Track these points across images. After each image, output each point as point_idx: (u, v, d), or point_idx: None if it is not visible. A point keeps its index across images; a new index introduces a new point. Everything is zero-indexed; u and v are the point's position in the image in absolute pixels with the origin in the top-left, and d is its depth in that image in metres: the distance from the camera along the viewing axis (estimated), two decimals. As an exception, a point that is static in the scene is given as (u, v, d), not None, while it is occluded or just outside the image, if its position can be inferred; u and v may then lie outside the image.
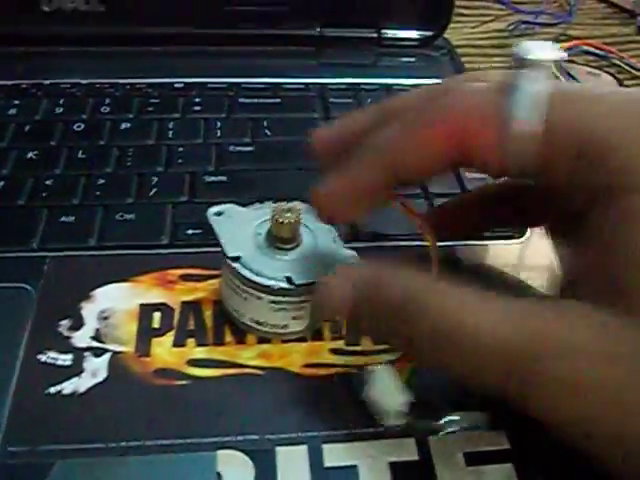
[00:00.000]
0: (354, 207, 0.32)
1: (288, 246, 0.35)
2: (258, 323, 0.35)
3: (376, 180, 0.31)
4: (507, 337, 0.26)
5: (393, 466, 0.31)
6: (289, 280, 0.33)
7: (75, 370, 0.34)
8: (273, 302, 0.34)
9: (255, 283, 0.34)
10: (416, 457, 0.31)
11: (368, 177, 0.31)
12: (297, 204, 0.35)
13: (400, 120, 0.31)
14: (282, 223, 0.34)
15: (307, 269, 0.34)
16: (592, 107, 0.28)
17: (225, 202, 0.38)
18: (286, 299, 0.34)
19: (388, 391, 0.31)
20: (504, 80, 0.28)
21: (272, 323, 0.35)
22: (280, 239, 0.35)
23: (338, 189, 0.32)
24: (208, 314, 0.37)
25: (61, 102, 0.51)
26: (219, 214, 0.36)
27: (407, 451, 0.31)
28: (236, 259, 0.34)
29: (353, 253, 0.35)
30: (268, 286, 0.33)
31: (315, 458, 0.31)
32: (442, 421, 0.32)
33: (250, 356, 0.35)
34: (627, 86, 0.63)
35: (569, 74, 0.59)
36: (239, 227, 0.36)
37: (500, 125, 0.28)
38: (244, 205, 0.37)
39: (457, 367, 0.28)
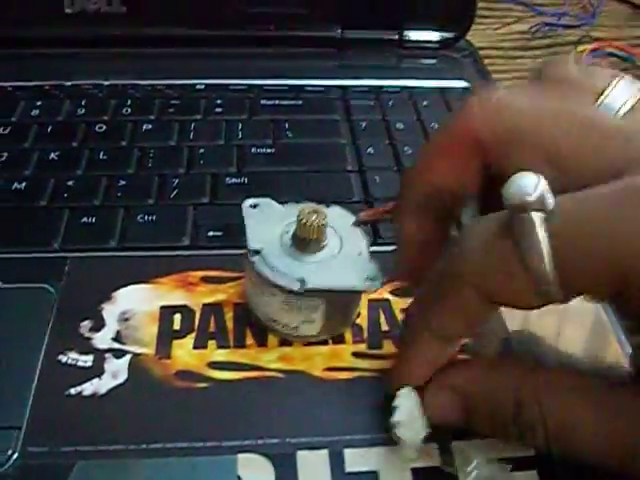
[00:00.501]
0: None
1: (311, 248, 0.34)
2: (271, 320, 0.35)
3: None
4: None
5: (415, 472, 0.31)
6: (302, 282, 0.33)
7: (96, 371, 0.34)
8: (284, 302, 0.34)
9: (268, 280, 0.33)
10: (439, 463, 0.31)
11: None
12: (323, 207, 0.34)
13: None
14: (306, 224, 0.34)
15: (324, 274, 0.33)
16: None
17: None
18: (297, 301, 0.34)
19: (409, 421, 0.30)
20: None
21: (283, 322, 0.35)
22: (303, 240, 0.34)
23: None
24: (229, 316, 0.36)
25: (83, 103, 0.51)
26: (254, 206, 0.36)
27: (430, 456, 0.31)
28: (256, 252, 0.34)
29: (376, 267, 0.34)
30: (280, 285, 0.33)
31: (336, 463, 0.31)
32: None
33: (271, 359, 0.35)
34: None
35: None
36: (269, 222, 0.35)
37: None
38: (283, 203, 0.37)
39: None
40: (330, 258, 0.34)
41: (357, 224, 0.36)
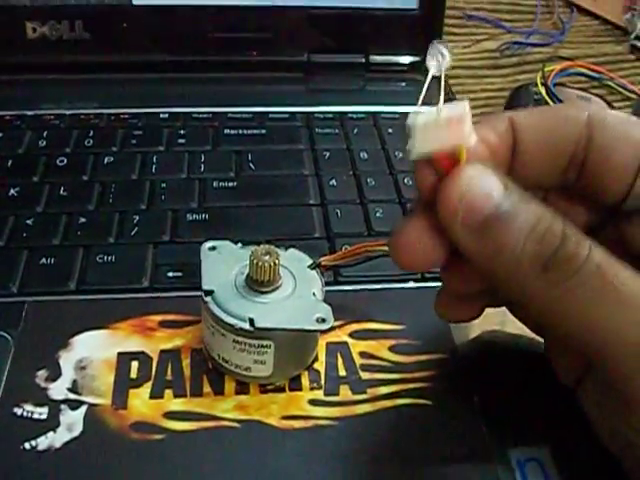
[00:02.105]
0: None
1: (264, 289, 0.34)
2: (224, 360, 0.35)
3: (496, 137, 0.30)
4: None
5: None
6: (251, 322, 0.33)
7: (51, 424, 0.33)
8: (235, 341, 0.34)
9: (219, 319, 0.34)
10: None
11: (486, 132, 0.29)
12: (279, 249, 0.34)
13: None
14: (259, 265, 0.34)
15: (275, 314, 0.33)
16: None
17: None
18: (247, 340, 0.34)
19: None
20: None
21: (236, 363, 0.35)
22: (256, 281, 0.34)
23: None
24: (186, 363, 0.36)
25: (44, 135, 0.51)
26: (213, 249, 0.37)
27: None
28: (209, 293, 0.34)
29: (328, 309, 0.34)
30: (230, 324, 0.33)
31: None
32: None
33: (227, 408, 0.35)
34: (617, 108, 0.63)
35: (559, 99, 0.59)
36: (226, 264, 0.36)
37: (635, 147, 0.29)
38: (244, 243, 0.37)
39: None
40: (283, 299, 0.35)
41: (313, 267, 0.36)
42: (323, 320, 0.33)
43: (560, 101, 0.59)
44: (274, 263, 0.34)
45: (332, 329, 0.37)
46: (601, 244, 0.26)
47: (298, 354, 0.36)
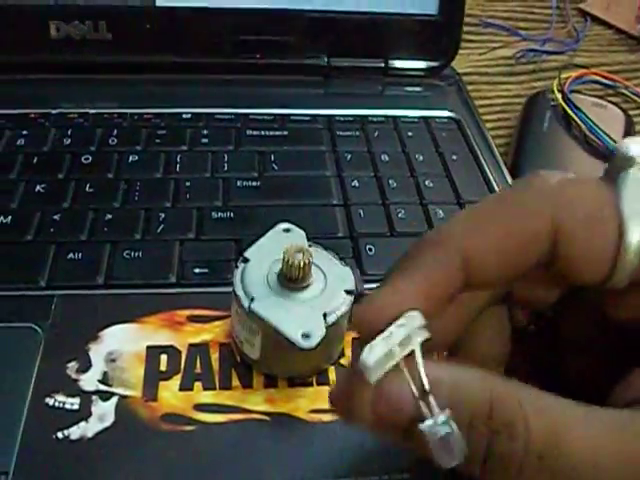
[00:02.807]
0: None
1: (295, 286, 0.35)
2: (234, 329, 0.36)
3: (446, 281, 0.26)
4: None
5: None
6: (251, 302, 0.34)
7: (83, 414, 0.34)
8: (237, 312, 0.35)
9: (233, 289, 0.35)
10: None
11: (436, 277, 0.26)
12: (307, 247, 0.35)
13: (470, 210, 0.27)
14: (290, 263, 0.34)
15: (276, 309, 0.34)
16: None
17: (230, 240, 0.41)
18: (244, 317, 0.34)
19: None
20: (608, 168, 0.26)
21: (236, 331, 0.36)
22: (288, 279, 0.35)
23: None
24: (215, 357, 0.37)
25: (69, 133, 0.51)
26: (287, 230, 0.38)
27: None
28: (244, 260, 0.36)
29: (321, 327, 0.33)
30: (238, 295, 0.34)
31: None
32: None
33: (257, 401, 0.35)
34: (632, 116, 0.63)
35: (575, 106, 0.59)
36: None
37: (611, 230, 0.25)
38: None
39: None
40: (305, 300, 0.35)
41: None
42: (307, 336, 0.33)
43: (577, 109, 0.60)
44: (307, 261, 0.34)
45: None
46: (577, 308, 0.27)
47: (283, 357, 0.35)
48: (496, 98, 0.67)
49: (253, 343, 0.35)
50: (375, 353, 0.23)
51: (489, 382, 0.24)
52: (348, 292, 0.35)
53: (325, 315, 0.34)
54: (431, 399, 0.23)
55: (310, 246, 0.35)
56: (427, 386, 0.23)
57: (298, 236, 0.37)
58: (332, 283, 0.36)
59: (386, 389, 0.23)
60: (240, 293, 0.34)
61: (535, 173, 0.27)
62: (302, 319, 0.33)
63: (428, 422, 0.23)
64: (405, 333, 0.23)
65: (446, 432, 0.23)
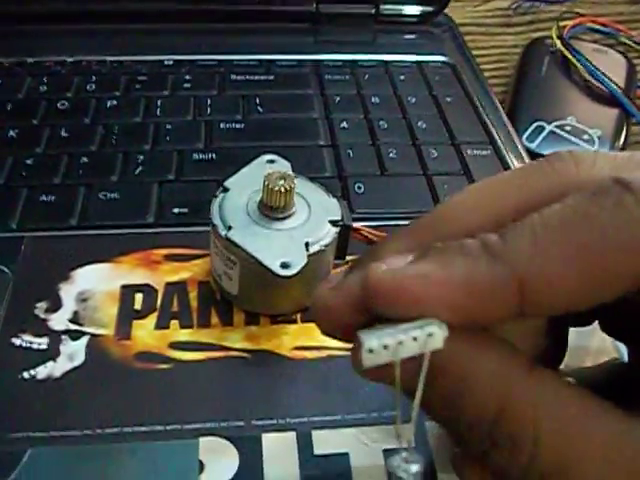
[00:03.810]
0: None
1: (276, 216, 0.33)
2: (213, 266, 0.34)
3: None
4: None
5: (388, 453, 0.29)
6: (228, 230, 0.32)
7: (51, 354, 0.32)
8: (214, 244, 0.33)
9: (210, 217, 0.33)
10: (413, 443, 0.29)
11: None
12: (290, 173, 0.33)
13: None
14: (272, 190, 0.32)
15: (254, 238, 0.32)
16: None
17: (211, 181, 0.39)
18: (221, 248, 0.32)
19: None
20: None
21: (215, 265, 0.34)
22: (269, 207, 0.33)
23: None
24: (193, 295, 0.35)
25: (45, 80, 0.49)
26: (272, 162, 0.36)
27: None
28: (224, 190, 0.34)
29: (303, 256, 0.31)
30: (214, 224, 0.32)
31: (304, 445, 0.29)
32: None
33: (237, 338, 0.33)
34: (636, 65, 0.61)
35: (575, 50, 0.57)
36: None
37: None
38: None
39: None
40: (286, 230, 0.33)
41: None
42: (286, 266, 0.31)
43: (577, 52, 0.57)
44: (289, 187, 0.32)
45: (346, 262, 0.35)
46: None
47: (263, 290, 0.33)
48: (493, 48, 0.65)
49: (231, 276, 0.33)
50: (378, 341, 0.20)
51: (503, 379, 0.20)
52: (334, 223, 0.33)
53: (307, 244, 0.32)
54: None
55: (296, 177, 0.33)
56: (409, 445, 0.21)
57: (283, 167, 0.35)
58: (316, 213, 0.33)
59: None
60: (217, 222, 0.32)
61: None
62: (282, 248, 0.31)
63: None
64: (419, 335, 0.19)
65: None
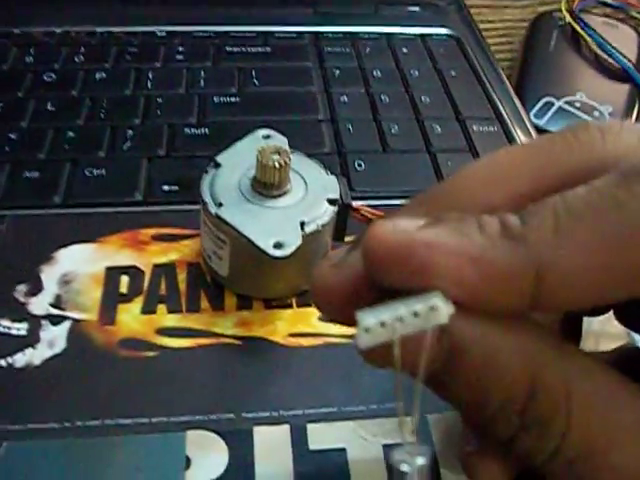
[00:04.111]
0: None
1: (270, 193, 0.31)
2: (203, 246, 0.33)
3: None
4: None
5: (387, 448, 0.27)
6: (218, 207, 0.30)
7: (30, 340, 0.30)
8: (204, 222, 0.31)
9: (200, 194, 0.31)
10: (414, 438, 0.27)
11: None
12: (285, 147, 0.31)
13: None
14: (266, 165, 0.30)
15: (245, 216, 0.30)
16: None
17: (204, 157, 0.36)
18: (211, 226, 0.31)
19: None
20: None
21: (204, 245, 0.32)
22: (263, 184, 0.31)
23: None
24: (182, 278, 0.33)
25: (32, 51, 0.47)
26: (267, 137, 0.34)
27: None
28: (216, 165, 0.32)
29: (297, 236, 0.29)
30: (205, 201, 0.31)
31: (298, 440, 0.27)
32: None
33: (228, 324, 0.31)
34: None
35: (585, 24, 0.55)
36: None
37: None
38: None
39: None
40: (280, 208, 0.31)
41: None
42: (280, 245, 0.29)
43: (587, 26, 0.55)
44: (284, 163, 0.30)
45: (345, 244, 0.33)
46: None
47: (254, 270, 0.31)
48: (499, 22, 0.62)
49: (221, 256, 0.31)
50: (375, 318, 0.18)
51: (534, 356, 0.18)
52: (331, 202, 0.31)
53: (303, 224, 0.30)
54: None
55: (292, 152, 0.31)
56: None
57: (279, 143, 0.32)
58: (313, 191, 0.31)
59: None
60: (208, 199, 0.30)
61: None
62: (275, 227, 0.29)
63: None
64: (420, 308, 0.17)
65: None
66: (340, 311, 0.20)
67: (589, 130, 0.20)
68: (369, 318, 0.17)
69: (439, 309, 0.17)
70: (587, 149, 0.20)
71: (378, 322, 0.17)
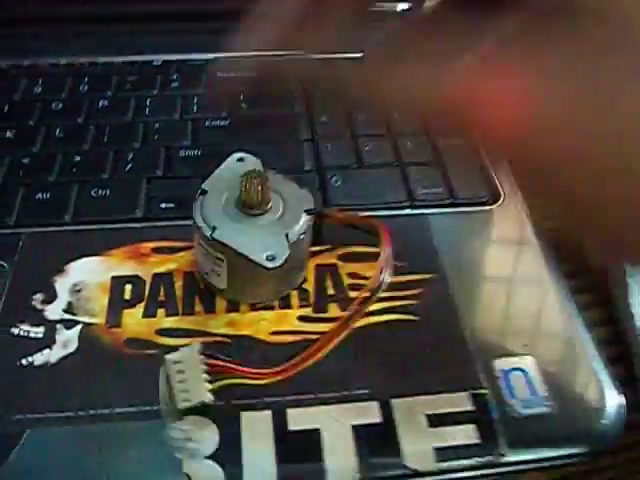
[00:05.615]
0: None
1: (254, 212, 0.35)
2: (198, 263, 0.37)
3: None
4: None
5: (356, 429, 0.31)
6: (213, 230, 0.34)
7: (47, 342, 0.34)
8: (201, 245, 0.35)
9: (194, 221, 0.35)
10: (379, 419, 0.32)
11: None
12: (263, 171, 0.35)
13: None
14: (248, 188, 0.34)
15: (238, 235, 0.34)
16: None
17: (198, 177, 0.40)
18: (208, 248, 0.35)
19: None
20: None
21: (200, 264, 0.36)
22: (246, 204, 0.35)
23: None
24: (179, 285, 0.37)
25: (40, 82, 0.51)
26: (241, 160, 0.38)
27: (370, 414, 0.32)
28: (202, 192, 0.36)
29: (285, 247, 0.34)
30: (199, 226, 0.34)
31: (279, 422, 0.32)
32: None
33: (218, 325, 0.36)
34: None
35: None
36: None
37: None
38: None
39: None
40: (265, 224, 0.35)
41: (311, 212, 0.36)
42: (272, 258, 0.33)
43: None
44: (264, 186, 0.34)
45: (320, 252, 0.38)
46: None
47: (252, 282, 0.36)
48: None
49: (219, 273, 0.35)
50: None
51: None
52: (308, 212, 0.36)
53: (287, 236, 0.34)
54: None
55: (265, 172, 0.35)
56: None
57: (252, 163, 0.37)
58: (291, 205, 0.36)
59: None
60: (201, 224, 0.34)
61: None
62: (265, 242, 0.34)
63: None
64: None
65: None
66: None
67: None
68: None
69: None
70: None
71: None
